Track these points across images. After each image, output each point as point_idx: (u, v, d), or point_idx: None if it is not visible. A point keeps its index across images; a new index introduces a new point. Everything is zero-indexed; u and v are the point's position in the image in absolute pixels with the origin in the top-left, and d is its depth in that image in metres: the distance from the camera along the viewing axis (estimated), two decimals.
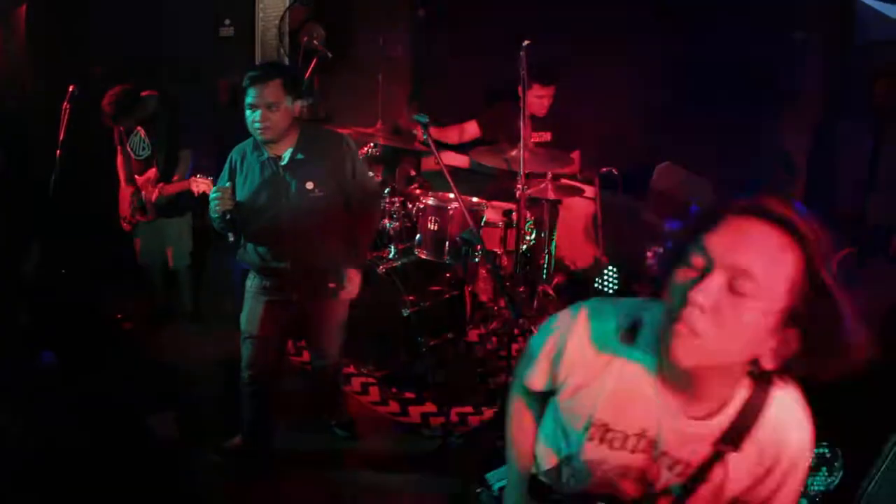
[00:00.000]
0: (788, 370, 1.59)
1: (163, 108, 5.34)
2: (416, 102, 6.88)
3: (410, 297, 5.04)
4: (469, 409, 4.99)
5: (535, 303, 5.70)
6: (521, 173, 4.67)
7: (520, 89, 4.94)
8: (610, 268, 5.90)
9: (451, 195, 5.16)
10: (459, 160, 6.34)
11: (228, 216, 3.80)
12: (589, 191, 5.84)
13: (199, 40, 6.07)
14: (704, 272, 1.49)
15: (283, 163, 3.84)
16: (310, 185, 3.83)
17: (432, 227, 5.13)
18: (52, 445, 3.95)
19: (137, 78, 5.22)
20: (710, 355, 1.53)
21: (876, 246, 4.65)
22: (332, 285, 4.09)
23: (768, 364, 1.56)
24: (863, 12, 4.99)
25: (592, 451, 1.83)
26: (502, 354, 5.34)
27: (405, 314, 4.99)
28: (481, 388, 5.21)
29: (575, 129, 5.90)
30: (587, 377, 1.84)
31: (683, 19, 5.72)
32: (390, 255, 5.31)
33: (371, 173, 4.29)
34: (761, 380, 1.67)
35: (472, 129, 6.16)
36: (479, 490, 2.49)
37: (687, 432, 1.72)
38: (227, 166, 4.01)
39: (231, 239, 3.95)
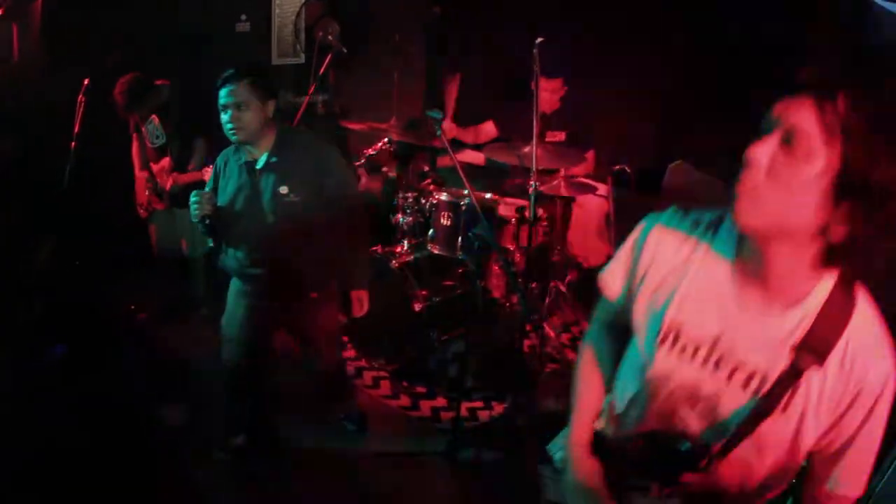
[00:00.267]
0: (856, 249, 1.54)
1: (176, 98, 5.37)
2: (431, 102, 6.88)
3: (423, 292, 5.05)
4: (479, 403, 5.01)
5: (547, 300, 5.71)
6: (534, 170, 4.68)
7: (532, 86, 4.95)
8: None
9: (465, 191, 5.19)
10: (476, 157, 6.36)
11: (208, 221, 3.74)
12: (602, 189, 5.85)
13: (215, 36, 6.10)
14: (764, 134, 1.55)
15: (258, 166, 3.79)
16: (283, 190, 3.76)
17: (445, 223, 5.15)
18: (57, 440, 3.97)
19: (151, 67, 5.25)
20: (770, 213, 1.54)
21: None
22: (313, 295, 4.04)
23: (835, 237, 1.53)
24: (878, 13, 4.99)
25: (662, 362, 1.81)
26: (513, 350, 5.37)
27: (417, 309, 5.01)
28: (492, 383, 5.24)
29: (589, 129, 5.90)
30: (665, 273, 1.84)
31: (701, 19, 5.71)
32: (403, 250, 5.33)
33: (356, 182, 4.24)
34: (843, 284, 1.64)
35: (489, 130, 6.16)
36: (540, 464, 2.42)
37: (762, 334, 1.69)
38: (213, 170, 4.00)
39: (211, 244, 3.93)
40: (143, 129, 5.43)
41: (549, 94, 5.65)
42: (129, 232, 5.74)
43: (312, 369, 4.40)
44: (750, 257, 1.68)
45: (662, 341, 1.80)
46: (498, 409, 4.98)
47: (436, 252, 5.22)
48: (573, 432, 2.15)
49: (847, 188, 1.48)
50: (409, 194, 5.39)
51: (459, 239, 5.13)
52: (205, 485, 4.10)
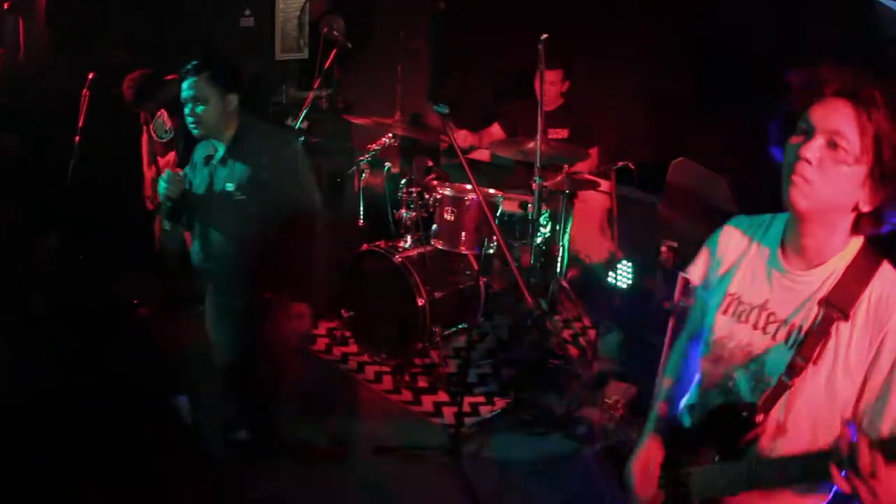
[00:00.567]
0: (881, 217, 1.91)
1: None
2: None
3: (425, 287, 5.07)
4: (482, 398, 5.03)
5: (550, 295, 5.73)
6: (537, 165, 4.69)
7: (536, 83, 4.96)
8: (624, 262, 5.92)
9: (468, 186, 5.21)
10: (481, 154, 6.37)
11: (170, 203, 3.73)
12: (604, 185, 5.86)
13: (220, 30, 6.11)
14: (808, 136, 1.88)
15: (214, 161, 3.76)
16: (230, 187, 3.69)
17: (449, 218, 5.17)
18: (58, 436, 3.98)
19: (154, 62, 5.27)
20: (818, 199, 1.88)
21: None
22: (267, 295, 3.89)
23: (865, 207, 1.89)
24: (880, 12, 4.99)
25: (723, 328, 2.18)
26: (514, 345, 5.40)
27: (420, 304, 5.02)
28: (493, 379, 5.27)
29: (592, 126, 5.92)
30: (732, 259, 2.23)
31: (704, 15, 5.72)
32: (406, 245, 5.35)
33: (307, 189, 3.87)
34: (868, 247, 1.99)
35: (496, 132, 6.16)
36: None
37: (799, 292, 2.03)
38: (191, 159, 3.98)
39: (167, 227, 3.91)
40: (152, 124, 5.45)
41: (548, 85, 5.64)
42: (133, 226, 5.76)
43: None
44: (792, 237, 2.04)
45: (724, 311, 2.18)
46: (500, 404, 5.00)
47: (439, 247, 5.24)
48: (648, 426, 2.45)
49: (879, 174, 1.84)
50: (413, 189, 5.39)
51: (463, 234, 5.15)
52: (208, 477, 4.12)
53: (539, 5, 5.97)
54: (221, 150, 3.75)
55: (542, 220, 5.24)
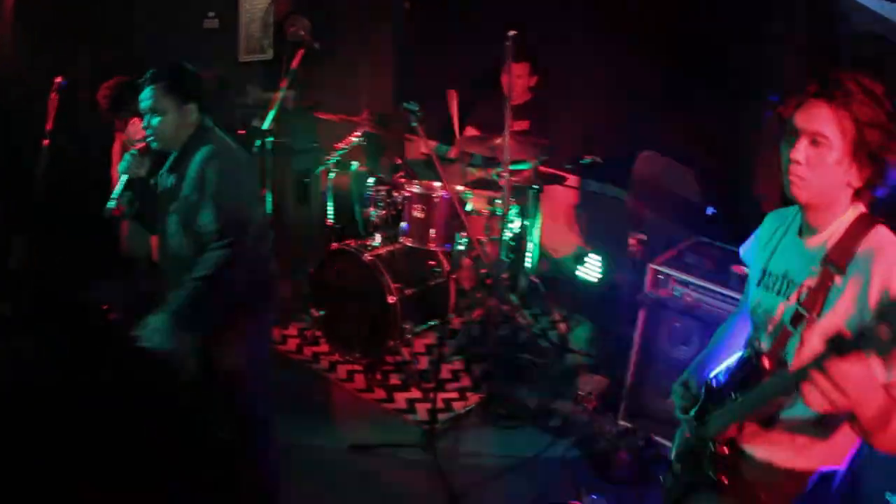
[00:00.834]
0: (872, 186, 2.19)
1: None
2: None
3: (396, 285, 5.08)
4: (454, 394, 5.05)
5: (520, 290, 5.76)
6: (506, 161, 4.71)
7: (504, 78, 4.98)
8: (593, 255, 5.96)
9: (437, 183, 5.22)
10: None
11: (125, 180, 3.61)
12: (571, 179, 5.90)
13: (184, 32, 6.07)
14: (795, 139, 2.19)
15: (164, 168, 3.63)
16: (163, 201, 3.59)
17: (418, 215, 5.17)
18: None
19: (124, 69, 5.22)
20: (813, 190, 2.19)
21: None
22: None
23: (856, 183, 2.17)
24: (845, 4, 5.05)
25: (756, 296, 2.48)
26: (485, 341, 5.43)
27: (391, 301, 5.03)
28: (466, 374, 5.29)
29: (553, 118, 5.91)
30: (767, 241, 2.53)
31: (670, 8, 5.77)
32: (376, 243, 5.35)
33: (229, 213, 3.41)
34: (864, 214, 2.23)
35: (472, 133, 6.16)
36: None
37: (806, 256, 2.29)
38: None
39: (112, 205, 3.74)
40: (125, 131, 5.41)
41: (515, 79, 5.64)
42: (103, 231, 5.70)
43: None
44: (804, 218, 2.33)
45: (758, 284, 2.48)
46: (473, 399, 5.02)
47: (409, 244, 5.25)
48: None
49: (865, 155, 2.13)
50: (382, 187, 5.40)
51: (432, 231, 5.16)
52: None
53: (504, 2, 5.99)
54: (171, 158, 3.60)
55: (510, 216, 5.27)
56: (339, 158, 5.62)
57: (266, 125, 5.30)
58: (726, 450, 2.40)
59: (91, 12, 5.52)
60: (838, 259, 2.17)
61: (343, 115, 5.64)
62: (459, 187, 5.33)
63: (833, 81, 2.15)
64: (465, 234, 5.02)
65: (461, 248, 5.17)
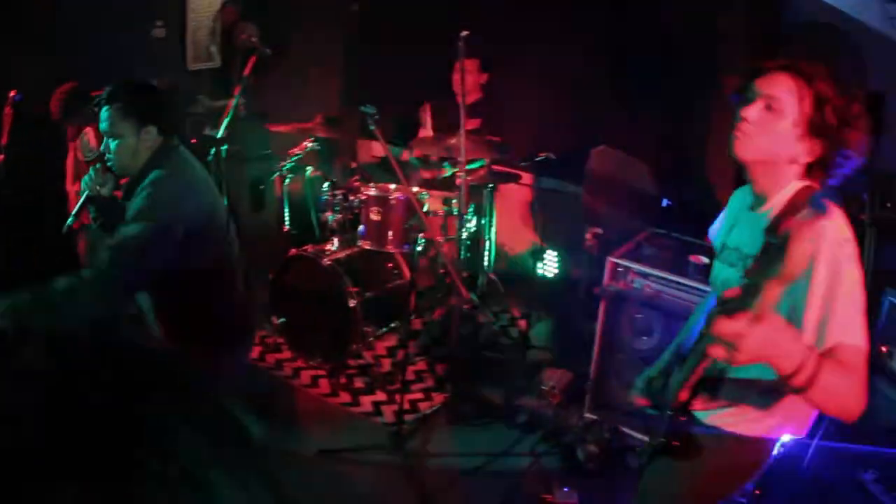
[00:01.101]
0: (821, 164, 2.28)
1: None
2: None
3: (356, 289, 5.08)
4: (419, 395, 5.07)
5: (479, 288, 5.79)
6: (462, 160, 4.74)
7: (456, 78, 5.01)
8: (550, 252, 6.01)
9: (392, 186, 5.24)
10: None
11: (86, 196, 3.52)
12: (525, 177, 5.94)
13: (131, 41, 6.01)
14: (750, 101, 2.29)
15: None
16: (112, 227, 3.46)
17: (375, 218, 5.18)
18: None
19: (79, 78, 5.16)
20: (755, 149, 2.30)
21: None
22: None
23: (804, 159, 2.28)
24: None
25: (715, 269, 2.62)
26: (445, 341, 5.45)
27: (352, 305, 5.03)
28: (429, 375, 5.31)
29: (504, 116, 5.96)
30: (729, 217, 2.68)
31: (620, 4, 5.84)
32: (334, 248, 5.35)
33: (131, 239, 3.29)
34: (806, 187, 2.30)
35: (425, 135, 6.16)
36: None
37: (756, 227, 2.32)
38: None
39: (70, 222, 3.64)
40: (77, 142, 5.33)
41: (466, 74, 5.65)
42: (61, 246, 5.62)
43: None
44: (753, 188, 2.43)
45: (717, 257, 2.62)
46: (438, 399, 5.04)
47: (367, 247, 5.25)
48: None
49: (819, 130, 2.21)
50: (338, 191, 5.39)
51: (390, 233, 5.17)
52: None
53: (452, 4, 6.02)
54: (128, 183, 3.47)
55: (467, 215, 5.29)
56: (293, 164, 5.61)
57: (220, 133, 5.26)
58: (680, 415, 2.42)
59: (40, 24, 5.44)
60: (778, 229, 2.10)
61: (297, 124, 5.63)
62: (415, 188, 5.35)
63: (797, 60, 2.25)
64: (423, 234, 5.05)
65: (419, 248, 5.19)
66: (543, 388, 4.94)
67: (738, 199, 2.67)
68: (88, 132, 5.24)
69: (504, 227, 6.17)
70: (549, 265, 6.09)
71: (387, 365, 5.36)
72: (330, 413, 4.95)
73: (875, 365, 4.07)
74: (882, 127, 4.13)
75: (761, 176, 2.37)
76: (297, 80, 6.89)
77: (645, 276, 4.44)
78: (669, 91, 5.48)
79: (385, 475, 4.33)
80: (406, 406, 4.76)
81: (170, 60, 6.36)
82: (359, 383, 5.20)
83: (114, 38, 5.76)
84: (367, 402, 5.02)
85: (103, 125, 3.31)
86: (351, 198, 5.37)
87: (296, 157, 5.56)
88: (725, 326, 1.86)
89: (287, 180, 5.68)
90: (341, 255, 5.28)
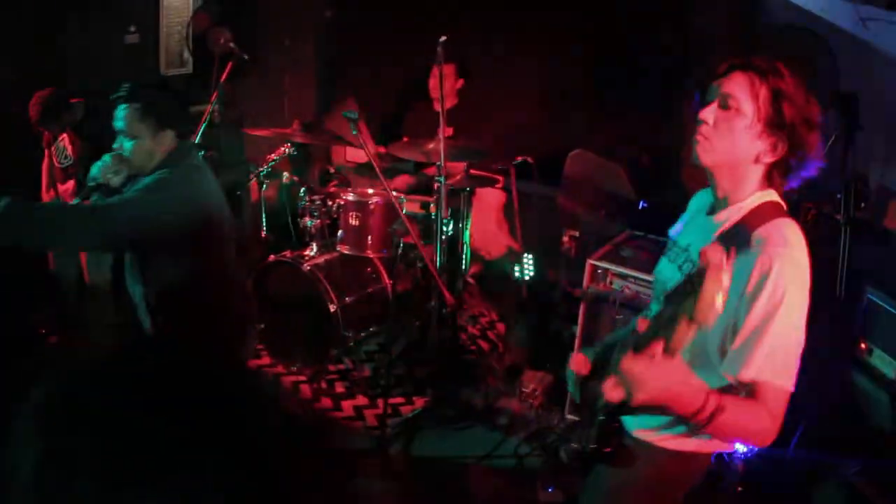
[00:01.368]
0: (784, 167, 2.23)
1: (88, 118, 5.21)
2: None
3: (336, 294, 5.08)
4: (401, 399, 5.07)
5: (456, 292, 5.80)
6: (442, 164, 4.75)
7: (433, 83, 5.02)
8: (526, 255, 6.04)
9: (370, 190, 5.25)
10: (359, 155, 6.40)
11: (94, 186, 3.33)
12: (501, 181, 5.96)
13: (105, 48, 5.97)
14: (708, 102, 2.24)
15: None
16: None
17: (353, 223, 5.19)
18: None
19: (59, 85, 5.13)
20: (717, 153, 2.24)
21: None
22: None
23: (767, 158, 2.22)
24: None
25: (660, 264, 2.57)
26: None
27: (332, 310, 5.03)
28: (410, 378, 5.31)
29: (477, 123, 5.97)
30: (686, 217, 2.65)
31: (596, 9, 5.88)
32: (313, 253, 5.34)
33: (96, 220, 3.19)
34: (772, 201, 2.25)
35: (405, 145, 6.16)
36: None
37: (708, 231, 2.30)
38: None
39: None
40: (53, 148, 5.29)
41: (435, 80, 5.66)
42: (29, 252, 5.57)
43: None
44: (713, 191, 2.36)
45: (666, 255, 2.56)
46: (419, 402, 5.05)
47: (346, 252, 5.26)
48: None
49: (777, 126, 2.16)
50: (316, 197, 5.39)
51: (369, 238, 5.18)
52: None
53: (429, 8, 6.03)
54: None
55: (445, 220, 5.30)
56: (269, 170, 5.60)
57: (196, 140, 5.26)
58: (609, 421, 2.30)
59: (12, 30, 5.40)
60: (729, 241, 2.05)
61: (274, 129, 5.62)
62: (394, 192, 5.35)
63: (753, 57, 2.21)
64: (403, 238, 5.06)
65: (399, 252, 5.19)
66: (524, 390, 4.97)
67: (700, 199, 2.61)
68: (64, 138, 5.21)
69: (480, 231, 6.19)
70: (527, 268, 6.11)
71: (366, 369, 5.36)
72: (313, 419, 4.94)
73: (855, 361, 4.14)
74: (855, 127, 4.19)
75: (724, 179, 2.29)
76: (272, 87, 6.88)
77: (624, 277, 4.48)
78: (645, 94, 5.54)
79: (369, 480, 4.34)
80: (388, 410, 4.77)
81: (144, 67, 6.32)
82: (339, 388, 5.20)
83: (87, 44, 5.73)
84: (348, 406, 5.02)
85: (119, 123, 3.23)
86: (329, 203, 5.37)
87: (272, 163, 5.55)
88: (628, 365, 1.89)
89: (264, 186, 5.67)
90: (321, 260, 5.27)
